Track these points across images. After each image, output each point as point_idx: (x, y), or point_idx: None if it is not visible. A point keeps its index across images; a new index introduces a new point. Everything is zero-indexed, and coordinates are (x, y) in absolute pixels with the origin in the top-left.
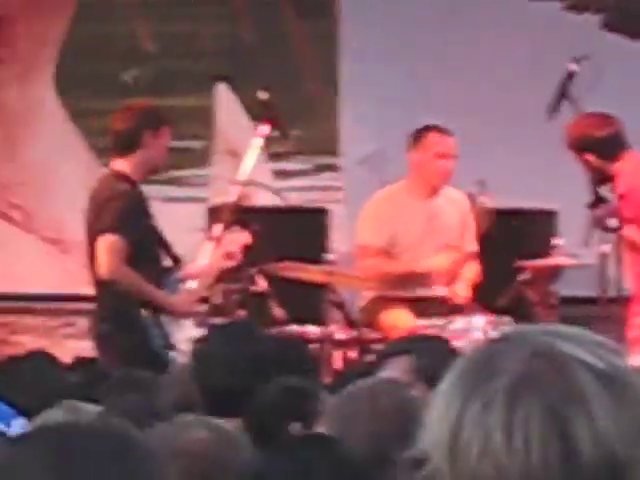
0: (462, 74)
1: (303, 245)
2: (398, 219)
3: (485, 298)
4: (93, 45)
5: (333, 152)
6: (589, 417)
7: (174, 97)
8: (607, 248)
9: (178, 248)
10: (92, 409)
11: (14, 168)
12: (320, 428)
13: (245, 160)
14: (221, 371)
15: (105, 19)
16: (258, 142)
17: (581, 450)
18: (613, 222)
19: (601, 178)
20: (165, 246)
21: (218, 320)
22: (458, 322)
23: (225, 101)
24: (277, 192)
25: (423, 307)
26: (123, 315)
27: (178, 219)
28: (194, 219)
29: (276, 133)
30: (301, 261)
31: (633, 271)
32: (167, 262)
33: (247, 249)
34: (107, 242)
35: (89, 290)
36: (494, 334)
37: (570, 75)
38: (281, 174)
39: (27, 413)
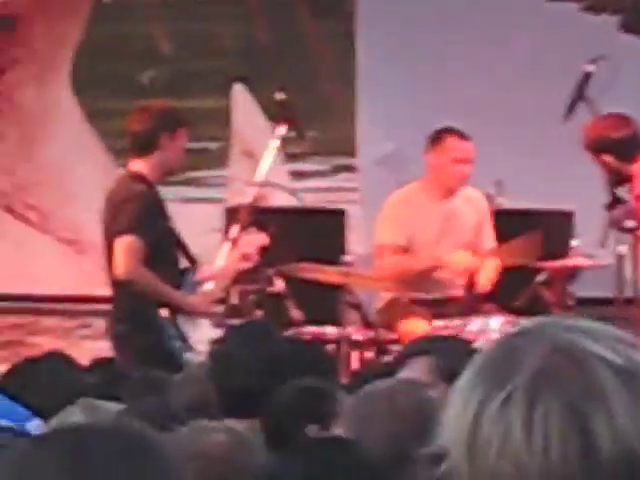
0: (478, 75)
1: (320, 246)
2: (415, 219)
3: (502, 299)
4: (110, 46)
5: (350, 153)
6: (609, 414)
7: (191, 98)
8: (624, 249)
9: (195, 249)
10: (110, 407)
11: (30, 168)
12: (337, 428)
13: (262, 161)
14: (238, 372)
15: (122, 20)
16: (275, 143)
17: (600, 447)
18: (630, 223)
19: (618, 179)
20: (182, 247)
21: (235, 321)
22: (475, 323)
23: (242, 102)
24: (294, 193)
25: (440, 308)
26: (140, 316)
27: (195, 220)
28: (211, 220)
29: (293, 134)
30: (318, 262)
31: None
32: (184, 263)
33: (264, 250)
34: (124, 243)
35: (105, 291)
36: (512, 329)
37: (587, 76)
38: (298, 175)
39: (44, 414)
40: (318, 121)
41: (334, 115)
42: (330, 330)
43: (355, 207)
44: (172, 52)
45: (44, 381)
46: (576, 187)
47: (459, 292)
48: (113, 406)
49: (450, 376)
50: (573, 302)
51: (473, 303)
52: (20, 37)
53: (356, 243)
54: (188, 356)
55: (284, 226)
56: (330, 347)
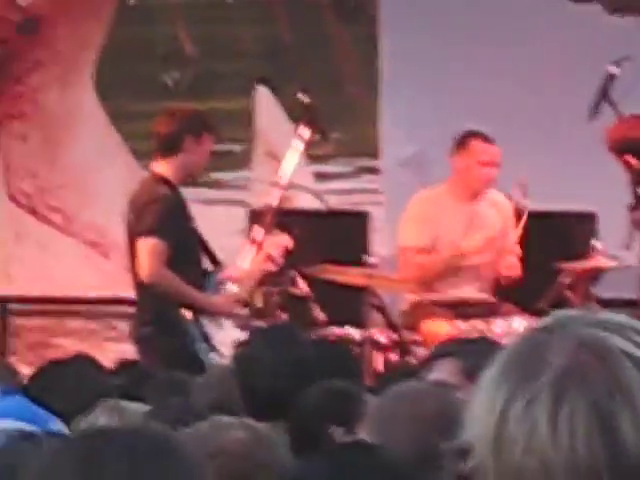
0: (501, 76)
1: (343, 248)
2: (440, 221)
3: (525, 300)
4: (133, 47)
5: (373, 154)
6: (634, 411)
7: (214, 100)
8: None
9: (218, 251)
10: (137, 409)
11: (54, 171)
12: (362, 430)
13: (285, 163)
14: (263, 374)
15: (146, 21)
16: (298, 145)
17: (626, 444)
18: None
19: None
20: (205, 249)
21: (259, 323)
22: (498, 324)
23: (265, 103)
24: (318, 195)
25: (462, 310)
26: (164, 318)
27: (219, 222)
28: (235, 222)
29: (316, 135)
30: (341, 264)
31: None
32: (207, 265)
33: (288, 252)
34: (147, 245)
35: (129, 293)
36: (536, 324)
37: (611, 77)
38: (321, 177)
39: (70, 417)
40: (341, 123)
41: (357, 117)
42: (353, 332)
43: (378, 209)
44: (196, 54)
45: (70, 384)
46: (599, 188)
47: (482, 295)
48: (139, 408)
49: (477, 377)
50: (596, 303)
51: (497, 301)
52: (43, 39)
53: (379, 245)
54: (212, 357)
55: (308, 228)
56: (354, 349)
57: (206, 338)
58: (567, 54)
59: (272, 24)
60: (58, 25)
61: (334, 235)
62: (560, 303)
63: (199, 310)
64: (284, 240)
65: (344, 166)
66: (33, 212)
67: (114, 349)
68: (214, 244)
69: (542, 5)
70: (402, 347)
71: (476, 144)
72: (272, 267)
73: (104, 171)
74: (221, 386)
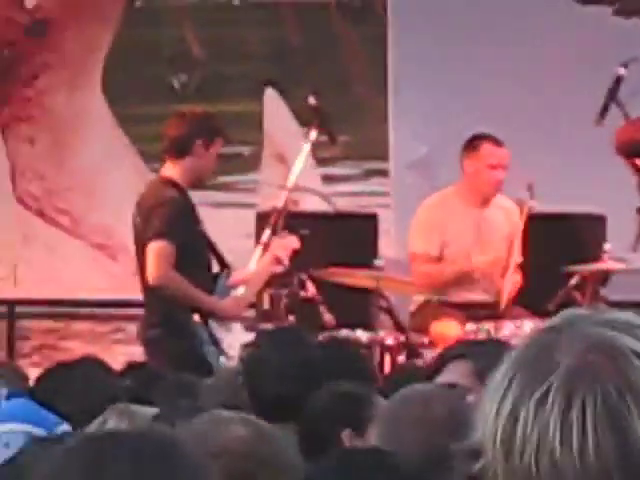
0: (510, 77)
1: (352, 250)
2: (449, 225)
3: (534, 303)
4: (141, 50)
5: (382, 157)
6: None
7: (222, 102)
8: None
9: (227, 254)
10: (147, 412)
11: (62, 173)
12: (371, 432)
13: (294, 165)
14: (271, 377)
15: (153, 24)
16: (306, 147)
17: (637, 444)
18: None
19: None
20: (214, 251)
21: (267, 325)
22: (507, 326)
23: (273, 106)
24: (326, 197)
25: (471, 312)
26: (172, 321)
27: (227, 225)
28: (243, 225)
29: (324, 138)
30: (350, 266)
31: None
32: (216, 267)
33: (296, 254)
34: (155, 248)
35: (137, 295)
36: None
37: (618, 79)
38: (329, 179)
39: (78, 419)
40: (350, 125)
41: (366, 119)
42: (362, 334)
43: (387, 211)
44: (204, 56)
45: (78, 386)
46: (608, 191)
47: (490, 297)
48: (149, 411)
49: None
50: (605, 306)
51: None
52: (51, 42)
53: (388, 247)
54: (220, 360)
55: (316, 230)
56: (362, 351)
57: (215, 341)
58: (575, 56)
59: (279, 26)
60: (66, 28)
61: (342, 237)
62: (569, 306)
63: (207, 314)
64: (292, 242)
65: (352, 168)
66: (41, 214)
67: (122, 351)
68: (223, 247)
69: (550, 7)
70: (410, 349)
71: (486, 147)
72: (280, 269)
73: (112, 174)
74: (229, 388)
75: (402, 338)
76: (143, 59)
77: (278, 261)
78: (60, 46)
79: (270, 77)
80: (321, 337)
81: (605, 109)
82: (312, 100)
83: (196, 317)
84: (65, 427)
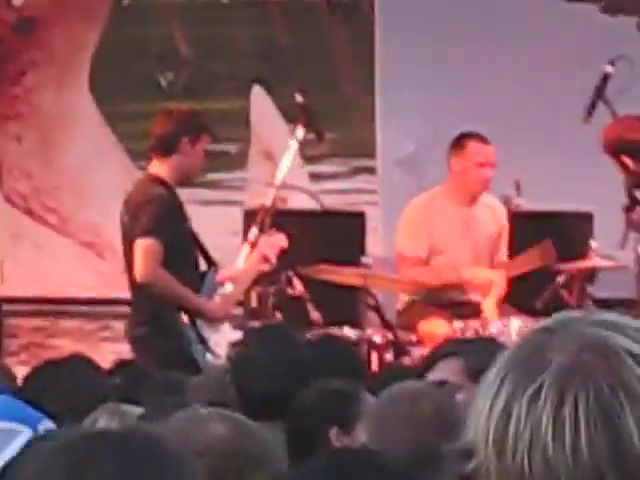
0: (497, 76)
1: (339, 248)
2: (437, 225)
3: (522, 300)
4: (129, 48)
5: (369, 154)
6: (637, 408)
7: (210, 100)
8: None
9: (214, 251)
10: (137, 412)
11: (50, 172)
12: (360, 430)
13: (281, 163)
14: (258, 375)
15: (141, 22)
16: (294, 145)
17: (629, 441)
18: None
19: (637, 181)
20: (201, 249)
21: (254, 323)
22: (494, 324)
23: (261, 104)
24: (313, 195)
25: (458, 309)
26: (159, 319)
27: (214, 222)
28: (230, 222)
29: (312, 136)
30: (337, 264)
31: None
32: (203, 265)
33: (283, 252)
34: (143, 245)
35: (125, 293)
36: (538, 324)
37: (606, 77)
38: (317, 177)
39: (66, 417)
40: (337, 123)
41: (353, 117)
42: (349, 332)
43: (374, 209)
44: (191, 54)
45: (67, 384)
46: (595, 188)
47: (477, 297)
48: (140, 411)
49: (479, 377)
50: (592, 303)
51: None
52: (39, 40)
53: (375, 245)
54: (208, 359)
55: (303, 228)
56: (352, 347)
57: (202, 340)
58: (562, 54)
59: (267, 24)
60: (53, 25)
61: (330, 235)
62: (556, 303)
63: (194, 314)
64: (279, 240)
65: (340, 166)
66: (29, 213)
67: (110, 349)
68: (210, 244)
69: (536, 5)
70: (398, 347)
71: (473, 145)
72: (267, 267)
73: (99, 172)
74: (217, 386)
75: (390, 336)
76: (131, 57)
77: (266, 259)
78: (47, 44)
79: (258, 75)
80: (309, 335)
81: (592, 107)
82: (299, 97)
83: (183, 315)
84: (49, 424)
